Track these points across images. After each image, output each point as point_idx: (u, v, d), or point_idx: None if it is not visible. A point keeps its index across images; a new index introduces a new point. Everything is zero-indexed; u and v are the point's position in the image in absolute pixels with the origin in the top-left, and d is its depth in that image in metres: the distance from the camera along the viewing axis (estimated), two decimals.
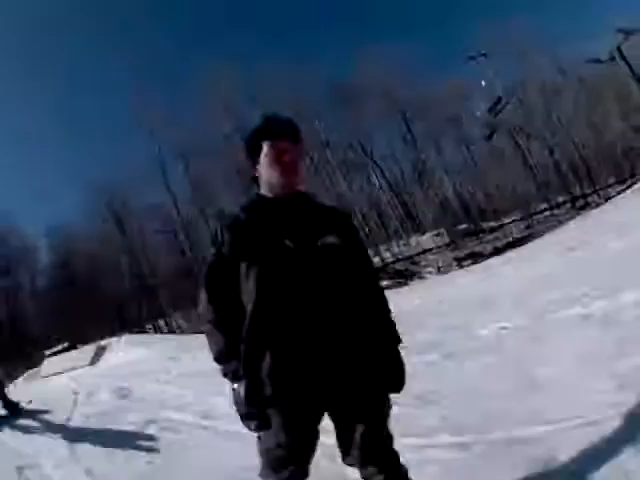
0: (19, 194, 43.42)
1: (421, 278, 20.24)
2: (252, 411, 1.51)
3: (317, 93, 27.96)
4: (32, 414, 6.26)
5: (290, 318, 1.50)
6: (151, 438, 4.06)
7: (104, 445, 4.07)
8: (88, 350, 10.86)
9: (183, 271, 25.16)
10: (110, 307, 26.51)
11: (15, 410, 6.62)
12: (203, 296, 1.61)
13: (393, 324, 1.71)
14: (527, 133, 28.20)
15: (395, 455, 1.65)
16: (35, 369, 11.73)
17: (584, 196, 26.80)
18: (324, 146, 27.69)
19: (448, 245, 24.44)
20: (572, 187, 29.06)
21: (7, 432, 5.67)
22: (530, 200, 29.47)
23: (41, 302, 27.94)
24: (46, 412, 6.15)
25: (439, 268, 21.17)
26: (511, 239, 22.57)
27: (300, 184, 1.66)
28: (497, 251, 19.89)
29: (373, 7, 45.37)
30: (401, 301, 7.57)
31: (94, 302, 25.56)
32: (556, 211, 26.29)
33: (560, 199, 28.19)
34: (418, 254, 24.06)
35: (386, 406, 1.64)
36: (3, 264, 27.34)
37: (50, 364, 11.11)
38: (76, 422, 5.24)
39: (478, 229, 26.46)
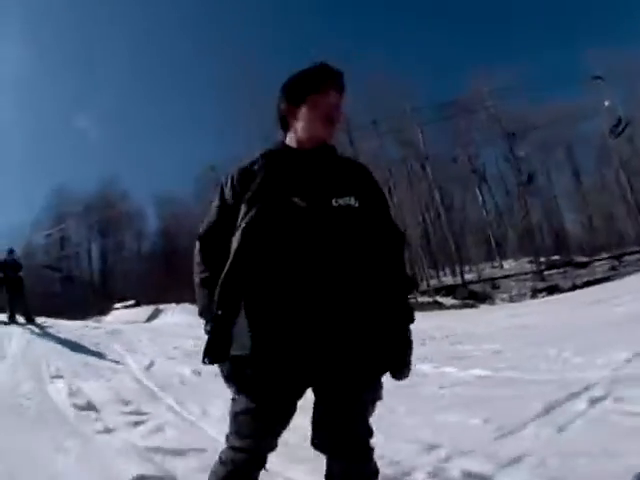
0: (129, 161, 45.87)
1: (492, 304, 19.98)
2: (221, 368, 1.49)
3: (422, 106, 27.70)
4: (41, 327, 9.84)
5: (280, 274, 1.44)
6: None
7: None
8: (148, 310, 13.33)
9: None
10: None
11: (30, 320, 10.33)
12: (197, 254, 1.62)
13: (406, 300, 1.59)
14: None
15: (369, 451, 1.53)
16: (101, 317, 13.72)
17: None
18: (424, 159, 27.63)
19: (528, 274, 23.67)
20: None
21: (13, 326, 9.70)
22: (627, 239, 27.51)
23: (144, 265, 30.77)
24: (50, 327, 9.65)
25: (511, 297, 20.78)
26: (592, 278, 21.49)
27: (334, 137, 1.66)
28: (574, 287, 19.28)
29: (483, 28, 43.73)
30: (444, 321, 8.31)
31: (182, 270, 27.72)
32: None
33: None
34: (496, 278, 23.59)
35: (376, 393, 1.55)
36: (112, 227, 30.61)
37: (113, 315, 13.95)
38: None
39: (564, 262, 25.24)
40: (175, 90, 47.03)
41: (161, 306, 14.21)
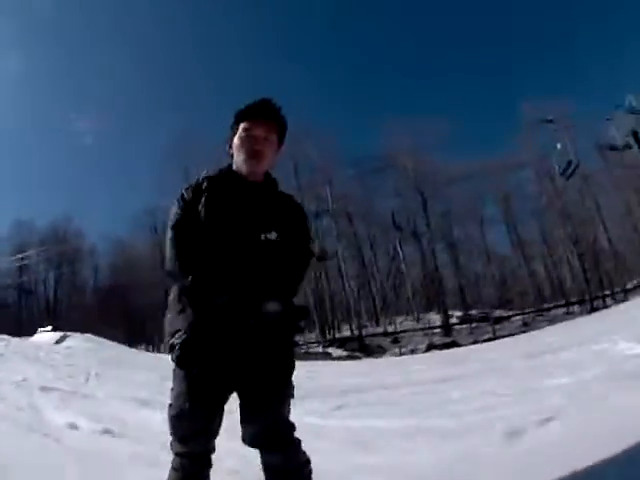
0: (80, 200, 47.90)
1: (380, 357, 19.96)
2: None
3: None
4: None
5: (215, 291, 1.61)
6: None
7: None
8: (57, 335, 16.07)
9: None
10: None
11: None
12: (170, 252, 1.71)
13: (290, 304, 1.73)
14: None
15: (294, 441, 1.70)
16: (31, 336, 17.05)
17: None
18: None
19: (434, 328, 23.66)
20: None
21: None
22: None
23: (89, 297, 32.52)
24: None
25: (401, 352, 20.81)
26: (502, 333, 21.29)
27: (260, 171, 1.78)
28: (474, 342, 19.10)
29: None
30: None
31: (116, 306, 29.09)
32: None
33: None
34: (393, 333, 23.66)
35: (290, 391, 1.73)
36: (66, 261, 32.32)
37: (38, 335, 16.91)
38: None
39: (477, 317, 25.03)
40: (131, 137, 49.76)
41: (69, 333, 16.45)
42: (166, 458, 1.83)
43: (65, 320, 26.61)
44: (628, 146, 20.91)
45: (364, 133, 40.69)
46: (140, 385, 6.20)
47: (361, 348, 21.59)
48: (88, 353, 11.69)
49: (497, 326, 23.72)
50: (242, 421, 1.70)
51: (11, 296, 32.73)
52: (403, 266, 27.63)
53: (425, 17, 46.48)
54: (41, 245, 31.54)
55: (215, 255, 1.65)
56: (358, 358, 19.18)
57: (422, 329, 23.89)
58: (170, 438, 1.76)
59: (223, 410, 1.73)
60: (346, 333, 25.64)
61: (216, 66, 46.89)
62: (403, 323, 26.49)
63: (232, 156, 1.80)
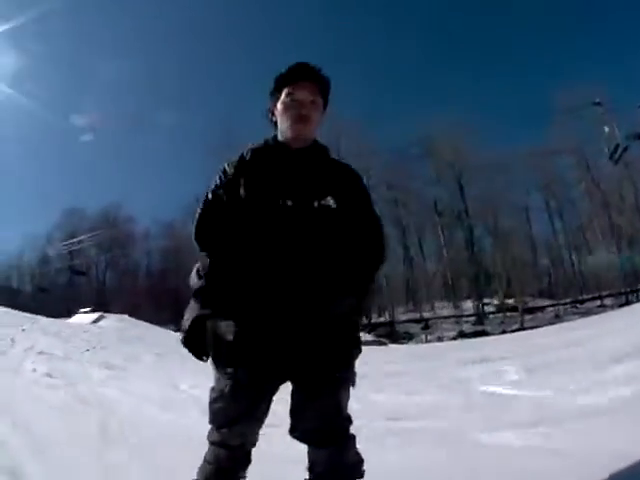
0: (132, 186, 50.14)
1: (404, 343, 20.44)
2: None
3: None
4: None
5: (263, 268, 1.49)
6: None
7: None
8: (95, 315, 17.04)
9: None
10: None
11: None
12: (194, 240, 1.62)
13: (364, 294, 1.60)
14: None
15: (349, 437, 1.56)
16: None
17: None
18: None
19: (464, 316, 23.87)
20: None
21: None
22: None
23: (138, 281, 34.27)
24: None
25: (435, 338, 21.19)
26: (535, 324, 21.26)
27: (309, 136, 1.64)
28: (503, 332, 19.38)
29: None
30: None
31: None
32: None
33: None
34: (424, 319, 23.98)
35: (350, 380, 1.55)
36: (116, 246, 34.11)
37: (75, 317, 17.91)
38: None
39: (509, 307, 25.03)
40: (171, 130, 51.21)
41: (106, 314, 17.43)
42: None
43: (114, 303, 28.42)
44: (627, 143, 20.17)
45: (403, 121, 40.52)
46: (124, 355, 7.79)
47: (389, 334, 22.07)
48: (114, 332, 12.57)
49: (529, 316, 23.78)
50: (293, 410, 1.55)
51: (63, 279, 34.77)
52: (445, 252, 27.82)
53: (457, 10, 45.94)
54: (92, 231, 33.43)
55: (258, 235, 1.51)
56: (384, 344, 19.61)
57: (454, 316, 24.10)
58: (209, 427, 1.59)
59: (271, 399, 1.56)
60: (381, 318, 26.28)
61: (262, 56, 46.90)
62: (440, 310, 26.85)
63: (275, 125, 1.67)
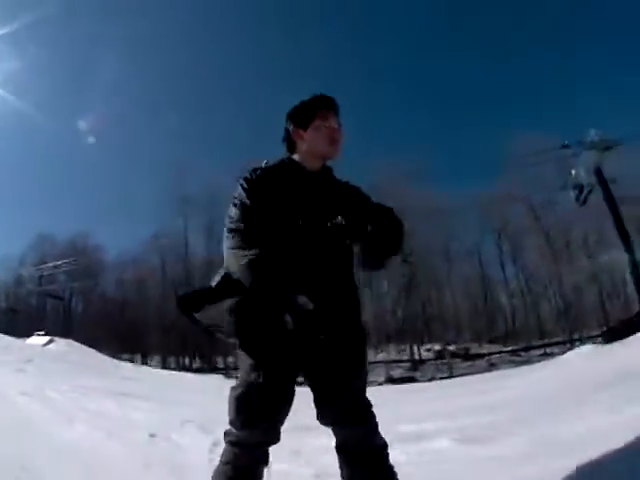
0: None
1: None
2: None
3: None
4: None
5: (288, 280, 1.61)
6: None
7: None
8: (46, 338, 18.00)
9: None
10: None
11: None
12: (237, 259, 1.64)
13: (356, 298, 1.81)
14: None
15: (372, 417, 1.68)
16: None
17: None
18: None
19: (397, 362, 23.78)
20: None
21: None
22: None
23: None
24: None
25: None
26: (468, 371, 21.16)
27: (337, 157, 1.86)
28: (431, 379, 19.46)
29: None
30: None
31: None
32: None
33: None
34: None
35: (365, 363, 1.77)
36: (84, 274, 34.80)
37: (33, 338, 18.51)
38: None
39: (445, 352, 24.90)
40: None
41: (56, 338, 18.55)
42: None
43: (79, 329, 29.43)
44: (591, 185, 19.98)
45: (354, 165, 40.98)
46: (44, 376, 8.31)
47: None
48: (56, 353, 13.87)
49: (468, 363, 23.61)
50: (317, 401, 1.68)
51: (35, 301, 35.74)
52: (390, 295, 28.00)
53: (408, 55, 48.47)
54: (60, 258, 34.19)
55: (284, 251, 1.65)
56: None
57: (385, 362, 24.00)
58: (227, 427, 1.66)
59: (292, 393, 1.67)
60: None
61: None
62: (385, 354, 26.75)
63: (290, 147, 1.86)
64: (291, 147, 1.86)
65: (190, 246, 33.08)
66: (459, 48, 47.51)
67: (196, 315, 1.69)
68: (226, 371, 23.95)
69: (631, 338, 12.59)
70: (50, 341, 17.67)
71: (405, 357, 25.27)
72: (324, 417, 1.67)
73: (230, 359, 28.64)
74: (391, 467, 1.66)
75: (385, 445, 1.66)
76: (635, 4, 32.17)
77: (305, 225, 1.69)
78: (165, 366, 26.99)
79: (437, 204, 26.99)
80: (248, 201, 1.71)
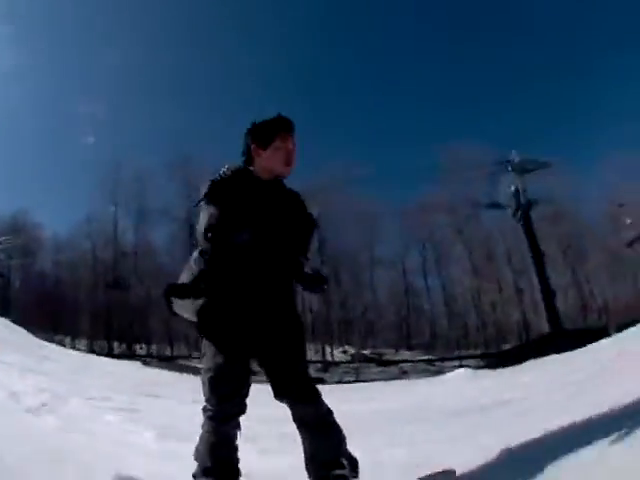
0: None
1: None
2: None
3: None
4: None
5: (240, 275, 1.93)
6: None
7: None
8: None
9: None
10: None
11: None
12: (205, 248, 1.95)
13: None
14: None
15: (317, 391, 1.97)
16: None
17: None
18: None
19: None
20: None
21: None
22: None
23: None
24: None
25: None
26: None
27: (288, 176, 2.10)
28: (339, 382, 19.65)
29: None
30: None
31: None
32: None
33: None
34: None
35: (305, 346, 2.07)
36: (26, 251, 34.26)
37: None
38: None
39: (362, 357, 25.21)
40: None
41: None
42: None
43: (12, 305, 29.25)
44: (509, 205, 20.20)
45: None
46: None
47: None
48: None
49: (380, 369, 23.94)
50: (272, 382, 1.96)
51: None
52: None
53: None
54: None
55: (238, 251, 1.92)
56: None
57: None
58: (203, 404, 1.95)
59: (249, 369, 1.97)
60: None
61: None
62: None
63: (249, 160, 2.07)
64: (249, 161, 2.07)
65: (119, 231, 33.02)
66: (402, 51, 48.14)
67: (174, 306, 1.96)
68: (145, 358, 23.73)
69: (527, 364, 12.83)
70: None
71: (319, 358, 25.53)
72: (278, 394, 1.96)
73: (153, 347, 29.15)
74: (337, 424, 1.99)
75: (329, 410, 1.98)
76: None
77: (257, 230, 1.93)
78: (92, 350, 26.67)
79: (365, 209, 27.62)
80: (212, 207, 1.94)
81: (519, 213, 20.86)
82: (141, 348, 30.00)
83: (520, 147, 22.04)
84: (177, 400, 6.74)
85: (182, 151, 31.54)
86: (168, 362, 22.66)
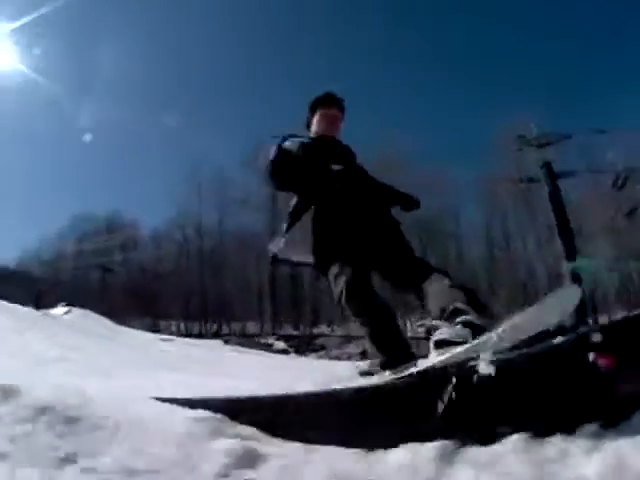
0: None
1: None
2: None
3: None
4: None
5: (341, 210, 2.31)
6: None
7: None
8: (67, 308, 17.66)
9: None
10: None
11: None
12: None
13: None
14: None
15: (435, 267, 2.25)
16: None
17: None
18: None
19: None
20: None
21: None
22: None
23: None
24: None
25: None
26: None
27: (336, 135, 2.66)
28: None
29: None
30: None
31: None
32: None
33: None
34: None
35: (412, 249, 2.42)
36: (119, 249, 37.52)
37: (57, 308, 17.99)
38: None
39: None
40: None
41: (74, 308, 17.70)
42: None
43: (107, 298, 31.74)
44: (539, 179, 19.21)
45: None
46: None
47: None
48: (66, 320, 13.77)
49: None
50: (397, 278, 2.27)
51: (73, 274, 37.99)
52: None
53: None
54: (98, 235, 36.99)
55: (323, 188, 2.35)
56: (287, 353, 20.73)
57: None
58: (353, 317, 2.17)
59: (370, 276, 2.26)
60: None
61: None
62: None
63: (308, 128, 2.68)
64: (308, 127, 2.69)
65: (204, 224, 35.97)
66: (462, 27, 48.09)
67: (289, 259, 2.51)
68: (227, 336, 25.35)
69: None
70: (68, 311, 17.39)
71: None
72: (407, 285, 2.20)
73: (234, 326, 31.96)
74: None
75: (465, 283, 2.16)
76: None
77: (338, 168, 2.39)
78: (187, 332, 29.13)
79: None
80: (282, 150, 2.38)
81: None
82: (227, 328, 32.59)
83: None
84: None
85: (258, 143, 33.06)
86: (246, 339, 23.89)
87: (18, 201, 49.95)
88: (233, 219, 35.38)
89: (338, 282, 2.16)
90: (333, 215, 2.31)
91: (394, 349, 2.03)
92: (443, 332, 1.71)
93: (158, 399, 1.93)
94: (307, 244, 2.35)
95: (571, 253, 16.80)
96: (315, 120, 2.64)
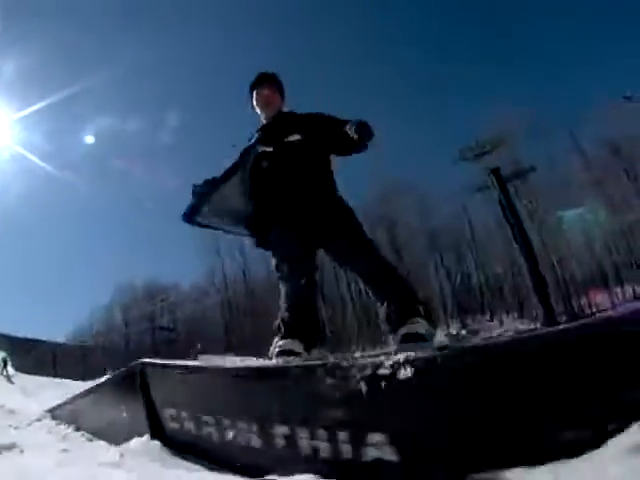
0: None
1: None
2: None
3: None
4: None
5: (279, 187, 2.41)
6: None
7: None
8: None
9: None
10: None
11: None
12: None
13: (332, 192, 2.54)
14: None
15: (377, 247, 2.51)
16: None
17: None
18: None
19: None
20: None
21: None
22: None
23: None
24: None
25: None
26: None
27: (274, 111, 2.65)
28: None
29: None
30: None
31: None
32: None
33: None
34: None
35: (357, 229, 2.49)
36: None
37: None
38: None
39: None
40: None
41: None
42: None
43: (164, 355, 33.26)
44: (487, 186, 19.83)
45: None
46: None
47: None
48: None
49: None
50: (340, 256, 2.47)
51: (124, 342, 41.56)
52: None
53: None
54: (140, 301, 40.99)
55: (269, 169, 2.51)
56: None
57: None
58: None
59: (314, 256, 2.47)
60: None
61: None
62: None
63: (254, 111, 2.76)
64: (253, 109, 2.79)
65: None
66: None
67: (200, 218, 2.67)
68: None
69: None
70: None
71: None
72: (349, 266, 2.53)
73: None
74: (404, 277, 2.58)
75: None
76: None
77: (270, 149, 2.53)
78: None
79: None
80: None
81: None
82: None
83: None
84: None
85: None
86: None
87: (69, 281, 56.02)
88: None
89: (279, 264, 2.45)
90: (266, 190, 2.51)
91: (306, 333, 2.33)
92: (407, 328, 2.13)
93: None
94: (230, 215, 2.68)
95: (529, 253, 17.67)
96: (254, 103, 2.76)
